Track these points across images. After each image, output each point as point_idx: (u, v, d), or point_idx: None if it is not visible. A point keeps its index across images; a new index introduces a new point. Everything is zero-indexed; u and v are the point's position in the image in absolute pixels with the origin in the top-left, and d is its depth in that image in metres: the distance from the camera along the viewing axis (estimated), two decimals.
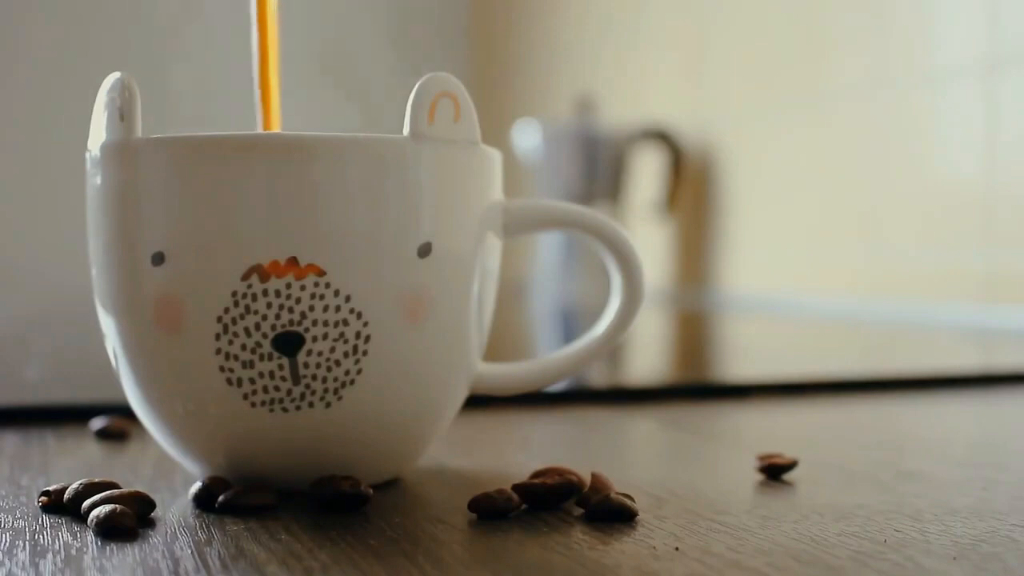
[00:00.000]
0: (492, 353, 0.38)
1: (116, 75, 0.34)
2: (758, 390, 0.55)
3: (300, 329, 0.32)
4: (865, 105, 1.13)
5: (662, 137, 1.40)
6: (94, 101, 0.34)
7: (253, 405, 0.32)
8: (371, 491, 0.32)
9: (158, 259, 0.32)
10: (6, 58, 1.97)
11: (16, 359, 0.69)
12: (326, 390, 0.32)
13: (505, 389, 0.37)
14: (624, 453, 0.44)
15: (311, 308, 0.32)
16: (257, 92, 0.36)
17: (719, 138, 1.37)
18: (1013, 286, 0.94)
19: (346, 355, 0.32)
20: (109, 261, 0.34)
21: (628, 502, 0.31)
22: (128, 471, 0.37)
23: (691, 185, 1.40)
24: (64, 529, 0.30)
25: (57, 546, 0.28)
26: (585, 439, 0.47)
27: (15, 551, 0.28)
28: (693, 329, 1.04)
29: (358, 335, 0.32)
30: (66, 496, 0.31)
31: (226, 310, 0.32)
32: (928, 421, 0.51)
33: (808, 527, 0.30)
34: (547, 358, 0.38)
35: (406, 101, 0.33)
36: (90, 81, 0.49)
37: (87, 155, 0.34)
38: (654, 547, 0.28)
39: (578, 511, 0.32)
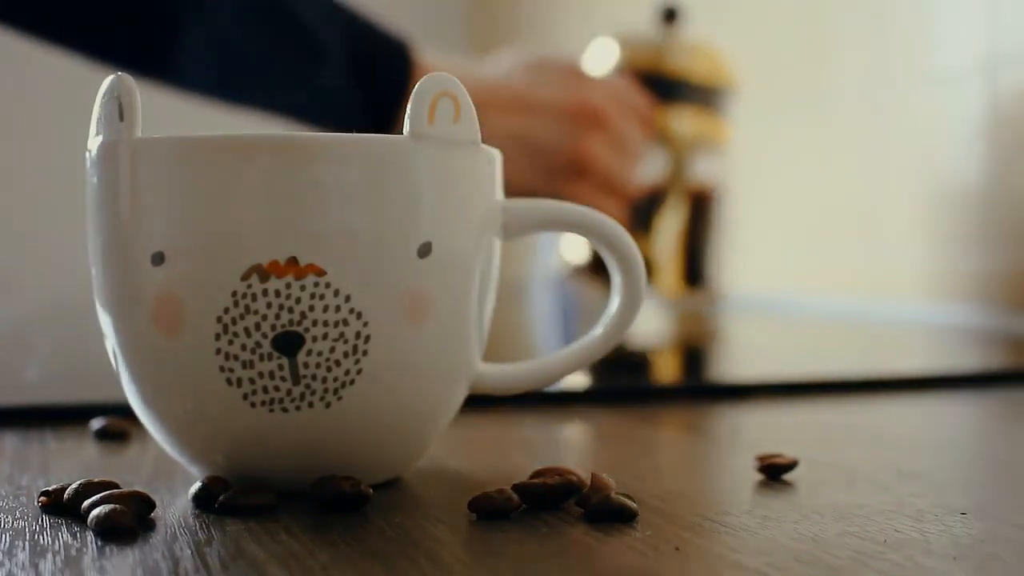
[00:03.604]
0: (492, 353, 0.38)
1: (116, 75, 0.34)
2: (758, 390, 0.55)
3: (300, 329, 0.32)
4: (865, 105, 1.13)
5: None
6: (94, 101, 0.34)
7: (253, 405, 0.32)
8: (371, 491, 0.32)
9: (158, 259, 0.32)
10: (6, 58, 1.97)
11: (16, 359, 0.69)
12: (326, 390, 0.32)
13: (505, 389, 0.37)
14: (624, 453, 0.44)
15: (311, 308, 0.32)
16: None
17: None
18: (1013, 286, 0.94)
19: (346, 355, 0.32)
20: (109, 261, 0.34)
21: (628, 502, 0.31)
22: (128, 471, 0.37)
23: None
24: (64, 529, 0.30)
25: (57, 546, 0.28)
26: (585, 439, 0.47)
27: (15, 551, 0.28)
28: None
29: (358, 335, 0.32)
30: (66, 496, 0.31)
31: (226, 310, 0.32)
32: (928, 421, 0.51)
33: (808, 527, 0.30)
34: (547, 358, 0.38)
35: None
36: (90, 81, 0.49)
37: (87, 155, 0.34)
38: (654, 547, 0.28)
39: (578, 511, 0.32)
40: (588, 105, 0.77)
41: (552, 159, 0.77)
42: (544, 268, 1.02)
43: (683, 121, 0.90)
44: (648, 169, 0.88)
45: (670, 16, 0.94)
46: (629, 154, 0.80)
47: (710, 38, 0.97)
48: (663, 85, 0.89)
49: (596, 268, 0.88)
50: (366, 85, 0.73)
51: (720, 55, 0.94)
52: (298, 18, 0.71)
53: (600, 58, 0.91)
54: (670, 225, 0.90)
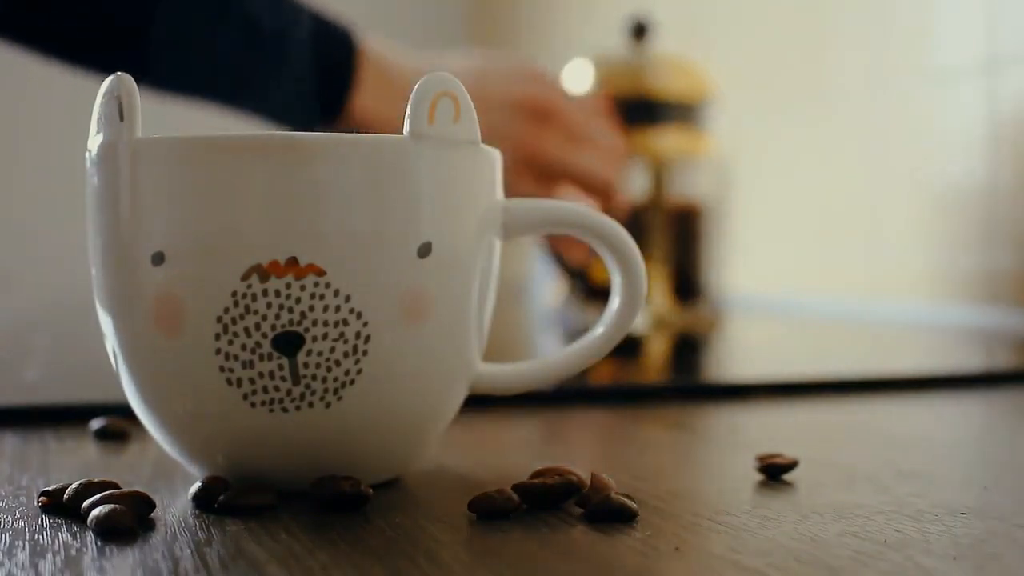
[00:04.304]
0: (492, 353, 0.38)
1: (116, 75, 0.34)
2: (758, 390, 0.55)
3: (300, 329, 0.32)
4: (865, 105, 1.13)
5: None
6: (94, 101, 0.34)
7: (253, 405, 0.32)
8: (371, 491, 0.32)
9: (158, 259, 0.32)
10: (6, 58, 1.97)
11: (16, 359, 0.69)
12: (326, 390, 0.32)
13: (505, 389, 0.37)
14: (625, 453, 0.44)
15: (311, 308, 0.32)
16: None
17: (719, 137, 1.37)
18: (1013, 286, 0.94)
19: (346, 355, 0.32)
20: (109, 261, 0.34)
21: (628, 502, 0.31)
22: (128, 471, 0.37)
23: None
24: (64, 529, 0.30)
25: (57, 546, 0.28)
26: (585, 439, 0.47)
27: (15, 551, 0.28)
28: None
29: (358, 335, 0.32)
30: (66, 496, 0.31)
31: (226, 310, 0.32)
32: (928, 421, 0.51)
33: (808, 527, 0.30)
34: (547, 358, 0.38)
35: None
36: (90, 81, 0.49)
37: (87, 155, 0.34)
38: (654, 547, 0.28)
39: (578, 511, 0.32)
40: (537, 98, 0.76)
41: (505, 154, 0.77)
42: (540, 301, 1.03)
43: (663, 140, 0.90)
44: (632, 188, 0.89)
45: (640, 31, 0.94)
46: (587, 144, 0.78)
47: (709, 42, 0.97)
48: (641, 108, 0.89)
49: (591, 294, 0.89)
50: (311, 71, 0.73)
51: (695, 68, 0.94)
52: (242, 5, 0.70)
53: (576, 81, 0.92)
54: (658, 243, 0.90)
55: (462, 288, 0.34)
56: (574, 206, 0.37)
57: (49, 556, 0.27)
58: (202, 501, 0.32)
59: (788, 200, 1.24)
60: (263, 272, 0.32)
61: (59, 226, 1.47)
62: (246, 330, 0.32)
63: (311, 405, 0.33)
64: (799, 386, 0.56)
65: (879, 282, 1.09)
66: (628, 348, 0.69)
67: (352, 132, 0.33)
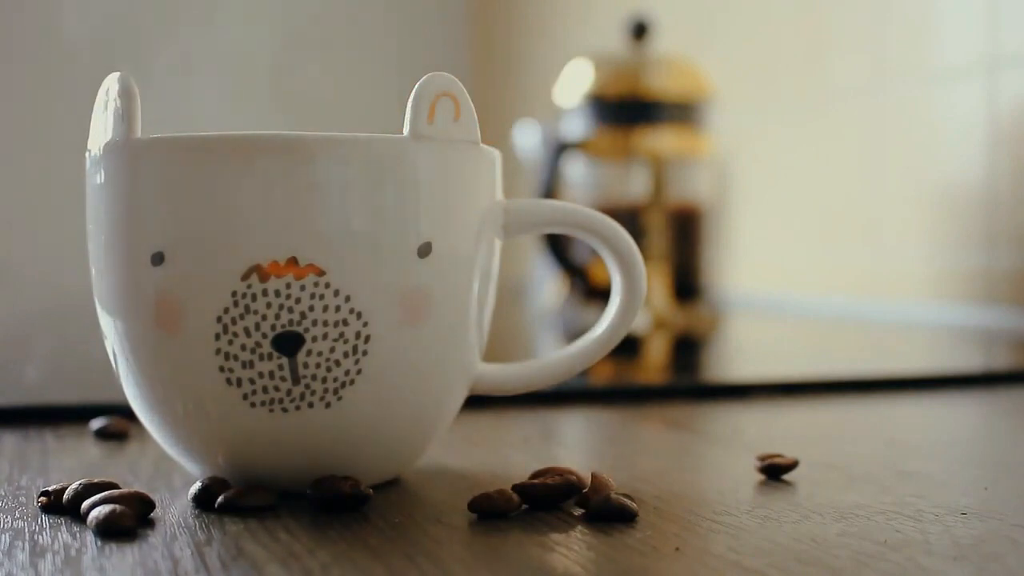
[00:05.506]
0: (492, 353, 0.38)
1: (116, 75, 0.34)
2: (758, 390, 0.55)
3: (300, 329, 0.32)
4: (865, 105, 1.13)
5: None
6: (94, 101, 0.34)
7: (253, 405, 0.32)
8: (371, 491, 0.32)
9: (158, 259, 0.32)
10: (6, 57, 1.97)
11: (16, 359, 0.69)
12: (326, 390, 0.32)
13: (505, 389, 0.37)
14: (625, 453, 0.44)
15: (311, 308, 0.32)
16: None
17: (719, 137, 1.37)
18: (1013, 286, 0.94)
19: (346, 355, 0.32)
20: (109, 261, 0.34)
21: (628, 502, 0.31)
22: (128, 471, 0.37)
23: None
24: (63, 529, 0.30)
25: (56, 546, 0.28)
26: (585, 439, 0.47)
27: (15, 551, 0.28)
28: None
29: (358, 335, 0.32)
30: (66, 496, 0.31)
31: (226, 310, 0.32)
32: (928, 421, 0.51)
33: (808, 527, 0.30)
34: (547, 358, 0.38)
35: (406, 101, 0.33)
36: (90, 81, 0.49)
37: (87, 155, 0.34)
38: (654, 547, 0.28)
39: (578, 511, 0.32)
40: None
41: None
42: (540, 301, 1.03)
43: (663, 140, 0.90)
44: (631, 188, 0.89)
45: (640, 31, 0.94)
46: None
47: (707, 42, 0.97)
48: (640, 108, 0.89)
49: (591, 294, 0.89)
50: None
51: (695, 69, 0.94)
52: None
53: (574, 81, 0.92)
54: (658, 243, 0.90)
55: (462, 288, 0.34)
56: (575, 206, 0.37)
57: (49, 556, 0.27)
58: (202, 501, 0.32)
59: (788, 200, 1.24)
60: (263, 272, 0.32)
61: (59, 226, 1.47)
62: (246, 330, 0.32)
63: (311, 405, 0.33)
64: (799, 386, 0.56)
65: (879, 282, 1.09)
66: (628, 348, 0.69)
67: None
